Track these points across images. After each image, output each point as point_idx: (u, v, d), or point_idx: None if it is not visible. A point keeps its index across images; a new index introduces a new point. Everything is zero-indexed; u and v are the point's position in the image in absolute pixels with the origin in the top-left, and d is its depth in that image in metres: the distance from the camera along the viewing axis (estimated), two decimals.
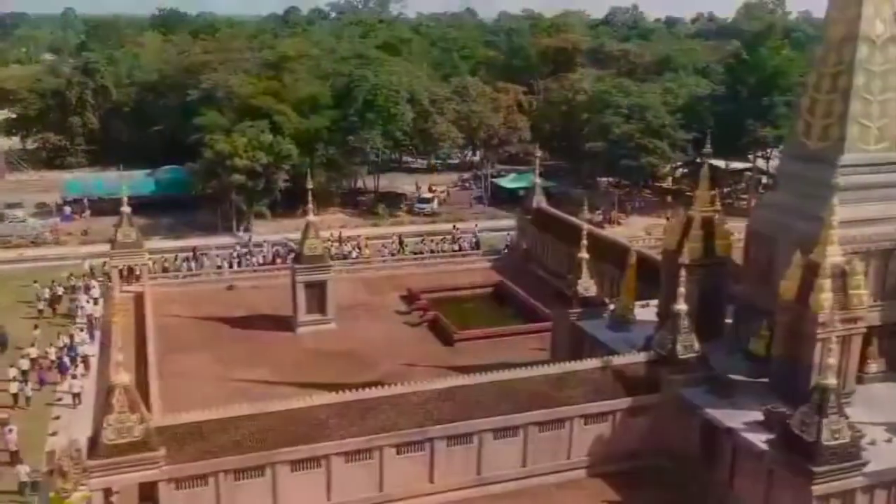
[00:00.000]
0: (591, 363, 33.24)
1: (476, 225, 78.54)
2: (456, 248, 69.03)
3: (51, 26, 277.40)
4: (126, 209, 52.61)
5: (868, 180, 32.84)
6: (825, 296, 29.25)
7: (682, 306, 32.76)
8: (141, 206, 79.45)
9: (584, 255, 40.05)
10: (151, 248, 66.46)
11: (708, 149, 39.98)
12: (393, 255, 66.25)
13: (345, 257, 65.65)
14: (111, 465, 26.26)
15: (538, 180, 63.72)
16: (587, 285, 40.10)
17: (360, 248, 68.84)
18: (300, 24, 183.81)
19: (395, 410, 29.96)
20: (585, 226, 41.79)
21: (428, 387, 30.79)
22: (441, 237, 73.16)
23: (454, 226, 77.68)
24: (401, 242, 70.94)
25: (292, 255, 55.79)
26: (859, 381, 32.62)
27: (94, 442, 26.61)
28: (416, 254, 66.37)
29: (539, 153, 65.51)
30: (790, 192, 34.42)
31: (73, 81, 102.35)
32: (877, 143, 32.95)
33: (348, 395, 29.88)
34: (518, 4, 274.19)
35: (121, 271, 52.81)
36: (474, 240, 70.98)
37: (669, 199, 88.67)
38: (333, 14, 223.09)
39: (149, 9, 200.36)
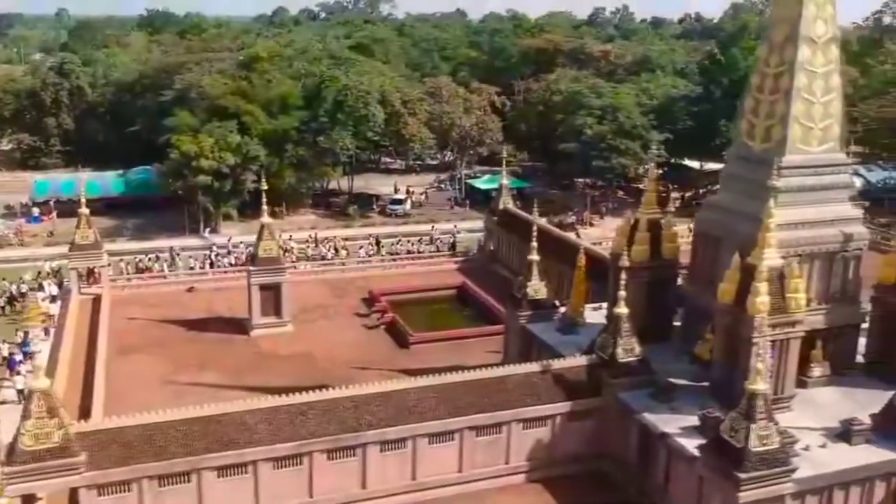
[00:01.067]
0: (531, 367, 32.88)
1: (455, 226, 78.17)
2: (433, 248, 68.68)
3: (46, 27, 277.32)
4: (84, 211, 52.29)
5: (811, 182, 32.52)
6: (761, 299, 28.84)
7: (622, 309, 32.35)
8: (111, 207, 79.84)
9: (535, 256, 39.63)
10: (118, 249, 66.56)
11: (654, 150, 39.91)
12: (370, 256, 65.86)
13: (322, 258, 65.34)
14: (28, 471, 25.73)
15: (506, 181, 63.32)
16: (537, 287, 39.66)
17: (336, 250, 68.54)
18: (286, 24, 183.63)
19: (327, 415, 29.51)
20: (535, 225, 41.10)
21: (361, 391, 30.37)
22: (418, 238, 72.95)
23: (433, 226, 77.38)
24: (377, 243, 70.69)
25: None
26: (802, 385, 32.30)
27: (11, 448, 26.10)
28: (392, 255, 66.02)
29: (506, 154, 65.02)
30: (734, 194, 34.11)
31: (47, 82, 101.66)
32: (820, 145, 32.64)
33: (277, 400, 29.46)
34: (510, 5, 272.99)
35: (89, 273, 52.38)
36: (451, 240, 70.68)
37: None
38: (323, 14, 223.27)
39: (142, 10, 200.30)
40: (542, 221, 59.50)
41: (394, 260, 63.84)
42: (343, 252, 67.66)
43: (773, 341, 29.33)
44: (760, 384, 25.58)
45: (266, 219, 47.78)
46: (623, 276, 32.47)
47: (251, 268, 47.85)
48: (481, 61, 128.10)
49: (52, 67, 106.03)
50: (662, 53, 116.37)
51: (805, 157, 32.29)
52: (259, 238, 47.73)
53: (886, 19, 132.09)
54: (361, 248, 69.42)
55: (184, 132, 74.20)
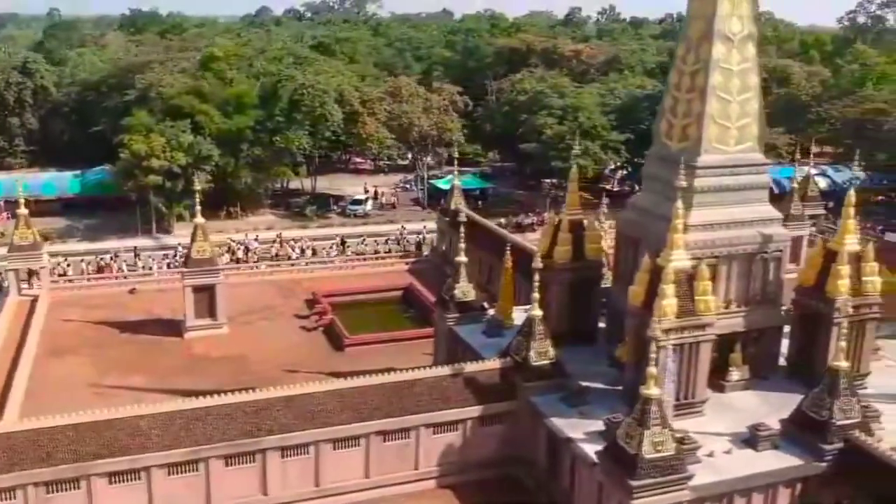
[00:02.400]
0: (442, 370, 32.30)
1: (424, 226, 77.54)
2: (400, 249, 68.18)
3: (40, 27, 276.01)
4: (23, 211, 51.72)
5: (728, 182, 32.03)
6: (668, 301, 28.28)
7: (536, 312, 31.81)
8: (68, 207, 79.10)
9: (463, 258, 38.85)
10: (68, 250, 65.85)
11: (577, 149, 39.15)
12: (332, 257, 65.25)
13: (288, 258, 64.82)
14: None
15: (457, 181, 62.60)
16: (465, 289, 38.92)
17: (302, 251, 67.98)
18: (267, 24, 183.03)
19: (225, 420, 28.84)
20: (463, 221, 39.99)
21: (262, 395, 29.74)
22: (385, 238, 72.52)
23: (402, 226, 76.87)
24: (342, 244, 70.21)
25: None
26: (720, 389, 31.84)
27: None
28: (358, 255, 65.51)
29: (456, 154, 64.29)
30: (653, 194, 33.58)
31: (10, 81, 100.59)
32: (737, 144, 32.14)
33: (172, 405, 28.85)
34: (499, 5, 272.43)
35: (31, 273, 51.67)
36: (418, 241, 70.07)
37: (608, 201, 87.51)
38: (309, 14, 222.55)
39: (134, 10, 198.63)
40: (487, 223, 59.34)
41: (345, 261, 63.10)
42: (309, 252, 67.20)
43: (680, 345, 28.86)
44: (653, 389, 25.06)
45: (199, 219, 46.99)
46: (537, 277, 31.87)
47: (184, 269, 47.12)
48: (455, 61, 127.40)
49: (15, 66, 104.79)
50: (633, 53, 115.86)
51: (722, 157, 31.78)
52: (192, 239, 46.95)
53: (860, 19, 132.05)
54: (331, 247, 69.01)
55: (139, 132, 73.37)
